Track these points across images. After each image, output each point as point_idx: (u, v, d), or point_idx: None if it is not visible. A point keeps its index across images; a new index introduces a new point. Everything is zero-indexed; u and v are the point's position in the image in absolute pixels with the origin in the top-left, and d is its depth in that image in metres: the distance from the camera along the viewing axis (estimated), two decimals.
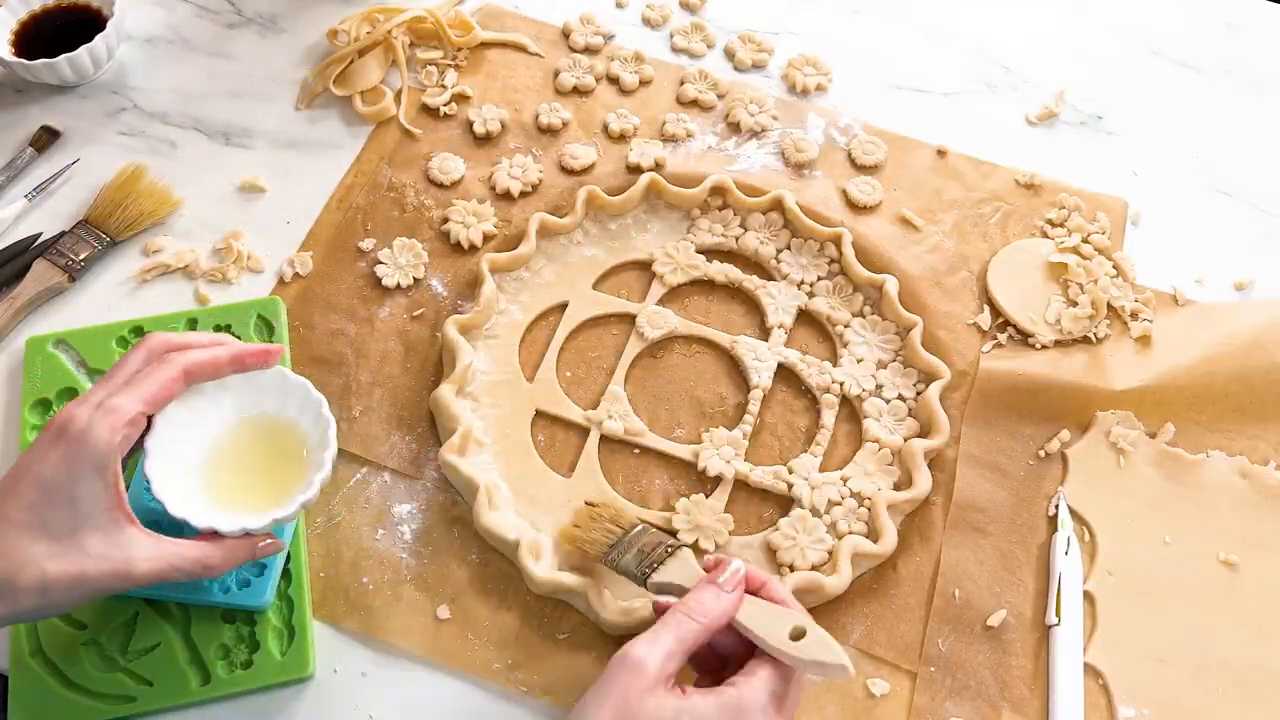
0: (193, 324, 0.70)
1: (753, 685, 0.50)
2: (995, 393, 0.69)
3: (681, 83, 0.83)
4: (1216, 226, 0.78)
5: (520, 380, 0.69)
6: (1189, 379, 0.69)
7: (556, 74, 0.83)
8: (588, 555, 0.60)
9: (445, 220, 0.75)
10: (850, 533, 0.64)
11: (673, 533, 0.64)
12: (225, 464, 0.57)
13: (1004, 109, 0.84)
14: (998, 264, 0.74)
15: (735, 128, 0.81)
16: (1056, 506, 0.65)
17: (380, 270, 0.73)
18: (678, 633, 0.51)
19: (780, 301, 0.72)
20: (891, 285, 0.72)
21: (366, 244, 0.75)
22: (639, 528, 0.60)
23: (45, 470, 0.49)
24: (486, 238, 0.75)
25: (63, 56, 0.77)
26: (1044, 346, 0.71)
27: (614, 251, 0.75)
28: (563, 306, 0.72)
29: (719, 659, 0.55)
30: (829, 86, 0.84)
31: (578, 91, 0.83)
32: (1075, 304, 0.72)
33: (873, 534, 0.64)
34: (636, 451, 0.68)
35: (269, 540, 0.56)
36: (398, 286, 0.73)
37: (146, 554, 0.51)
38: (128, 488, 0.56)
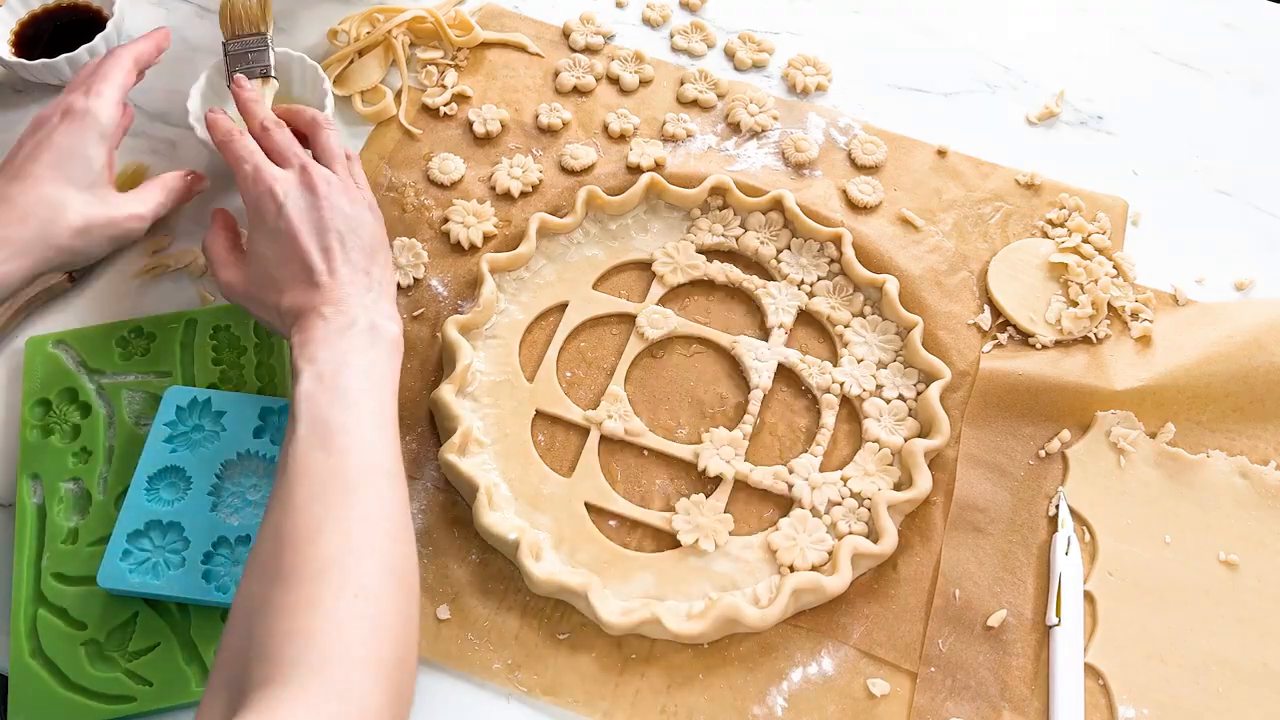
0: (193, 324, 0.70)
1: None
2: (995, 393, 0.69)
3: (681, 83, 0.83)
4: (1216, 226, 0.78)
5: (520, 380, 0.69)
6: (1189, 379, 0.69)
7: (556, 74, 0.83)
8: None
9: (445, 220, 0.75)
10: (850, 533, 0.64)
11: (673, 535, 0.64)
12: None
13: (1004, 109, 0.84)
14: (998, 264, 0.74)
15: (735, 128, 0.81)
16: (1057, 506, 0.65)
17: None
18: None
19: (780, 301, 0.72)
20: (892, 285, 0.72)
21: None
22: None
23: (59, 139, 0.63)
24: (486, 238, 0.75)
25: (63, 56, 0.77)
26: (1044, 346, 0.71)
27: (614, 251, 0.75)
28: (563, 306, 0.72)
29: None
30: (829, 86, 0.84)
31: (578, 91, 0.83)
32: (1075, 304, 0.72)
33: (873, 534, 0.64)
34: (645, 453, 0.68)
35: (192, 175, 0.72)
36: (398, 286, 0.73)
37: (142, 200, 0.68)
38: (125, 494, 0.58)
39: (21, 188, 0.62)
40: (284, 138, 0.66)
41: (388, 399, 0.58)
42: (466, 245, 0.74)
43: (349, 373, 0.57)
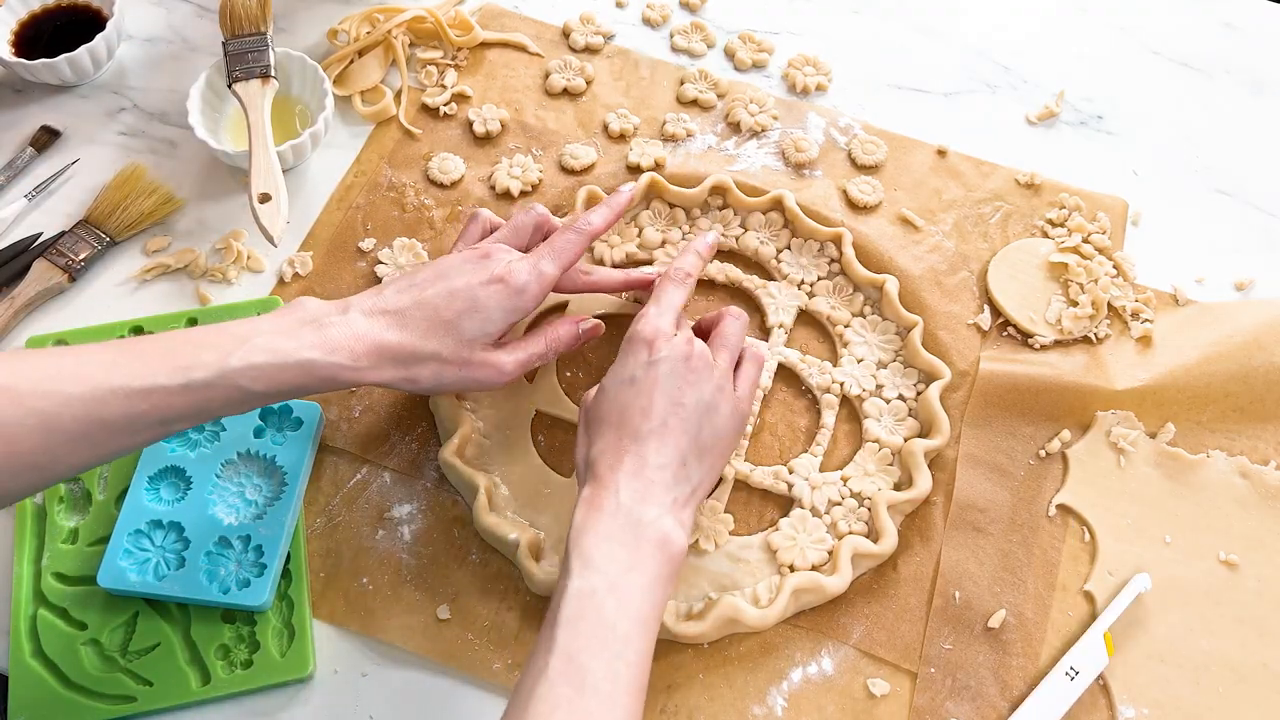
0: (193, 324, 0.70)
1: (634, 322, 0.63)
2: (995, 393, 0.69)
3: (681, 83, 0.83)
4: (1216, 226, 0.78)
5: (520, 380, 0.69)
6: (1189, 379, 0.69)
7: (547, 75, 0.83)
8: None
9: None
10: (850, 533, 0.64)
11: None
12: None
13: (1004, 109, 0.84)
14: (998, 264, 0.74)
15: (735, 128, 0.81)
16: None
17: (380, 270, 0.73)
18: (668, 298, 0.64)
19: (780, 301, 0.72)
20: (892, 285, 0.72)
21: (366, 244, 0.75)
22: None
23: (482, 297, 0.60)
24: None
25: (63, 56, 0.77)
26: (1044, 346, 0.71)
27: (614, 251, 0.75)
28: (563, 306, 0.72)
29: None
30: (829, 86, 0.84)
31: (568, 93, 0.83)
32: (1075, 304, 0.72)
33: (873, 534, 0.64)
34: None
35: (592, 323, 0.67)
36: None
37: (512, 360, 0.62)
38: (125, 493, 0.57)
39: (417, 319, 0.59)
40: (684, 295, 0.65)
41: (650, 645, 0.52)
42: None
43: (620, 601, 0.52)
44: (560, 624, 0.50)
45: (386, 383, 0.58)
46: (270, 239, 0.69)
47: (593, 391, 0.61)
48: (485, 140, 0.80)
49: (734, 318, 0.65)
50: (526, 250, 0.65)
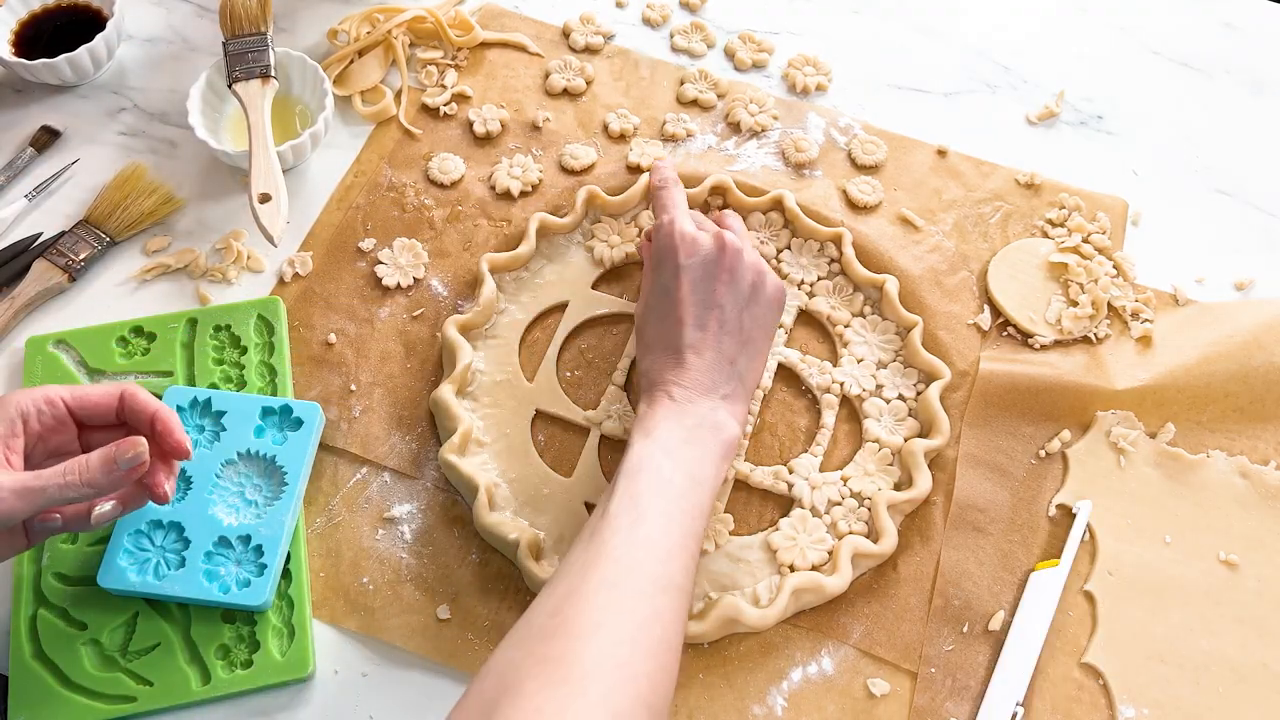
0: (193, 324, 0.70)
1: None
2: (995, 393, 0.69)
3: (681, 83, 0.83)
4: (1216, 226, 0.78)
5: (520, 380, 0.69)
6: (1189, 379, 0.69)
7: (547, 75, 0.83)
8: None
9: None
10: (850, 533, 0.64)
11: None
12: None
13: (1004, 109, 0.84)
14: (998, 264, 0.74)
15: (735, 128, 0.81)
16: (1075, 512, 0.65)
17: (380, 270, 0.73)
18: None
19: None
20: (892, 285, 0.72)
21: (366, 244, 0.75)
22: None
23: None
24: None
25: (63, 56, 0.77)
26: (1044, 346, 0.71)
27: (614, 251, 0.75)
28: (563, 306, 0.72)
29: None
30: (829, 86, 0.84)
31: (568, 93, 0.83)
32: (1075, 304, 0.72)
33: (873, 534, 0.64)
34: None
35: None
36: (398, 286, 0.73)
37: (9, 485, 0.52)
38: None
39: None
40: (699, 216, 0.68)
41: (705, 503, 0.56)
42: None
43: (677, 463, 0.56)
44: (622, 475, 0.55)
45: None
46: (270, 239, 0.69)
47: (639, 307, 0.64)
48: (485, 140, 0.80)
49: (734, 217, 0.69)
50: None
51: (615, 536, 0.52)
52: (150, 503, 0.57)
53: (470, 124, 0.80)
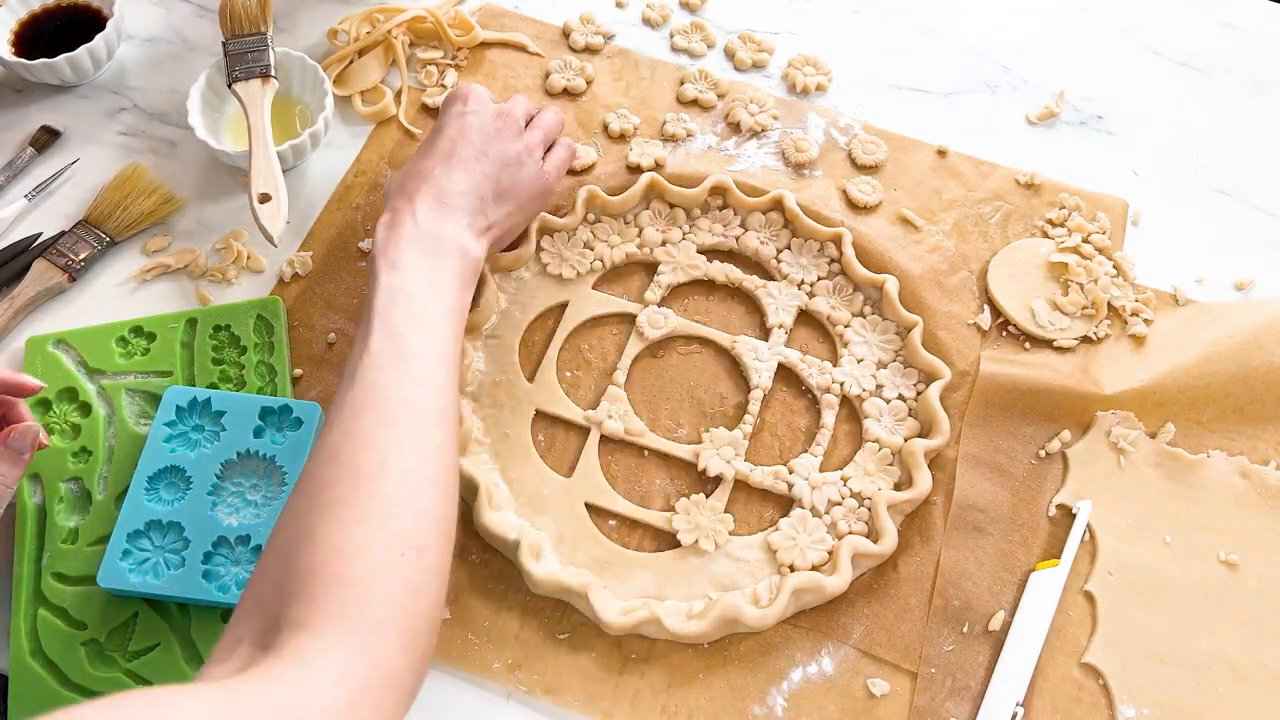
0: (193, 324, 0.70)
1: None
2: (995, 393, 0.69)
3: (681, 83, 0.83)
4: (1216, 226, 0.78)
5: (520, 380, 0.69)
6: (1189, 379, 0.69)
7: (547, 75, 0.83)
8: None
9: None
10: (850, 533, 0.64)
11: (673, 535, 0.64)
12: None
13: (1004, 109, 0.84)
14: (998, 264, 0.74)
15: (735, 128, 0.81)
16: (1074, 513, 0.65)
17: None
18: None
19: (780, 301, 0.72)
20: (892, 285, 0.72)
21: (367, 244, 0.75)
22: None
23: (523, 158, 0.67)
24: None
25: (63, 56, 0.77)
26: (1044, 347, 0.71)
27: (614, 251, 0.75)
28: (563, 306, 0.72)
29: None
30: (829, 86, 0.84)
31: (568, 93, 0.83)
32: (1076, 304, 0.72)
33: (873, 534, 0.64)
34: (645, 453, 0.68)
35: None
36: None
37: (552, 166, 0.70)
38: (125, 494, 0.57)
39: (500, 208, 0.66)
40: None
41: (460, 331, 0.58)
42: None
43: (429, 293, 0.57)
44: (376, 312, 0.55)
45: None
46: (270, 239, 0.69)
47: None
48: None
49: (554, 111, 0.72)
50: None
51: (383, 375, 0.53)
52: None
53: None
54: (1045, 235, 0.76)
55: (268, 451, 0.64)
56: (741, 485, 0.67)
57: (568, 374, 0.70)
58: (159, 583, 0.60)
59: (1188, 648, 0.62)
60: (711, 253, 0.75)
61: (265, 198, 0.70)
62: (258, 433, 0.65)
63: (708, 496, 0.66)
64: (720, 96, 0.83)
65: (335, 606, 0.46)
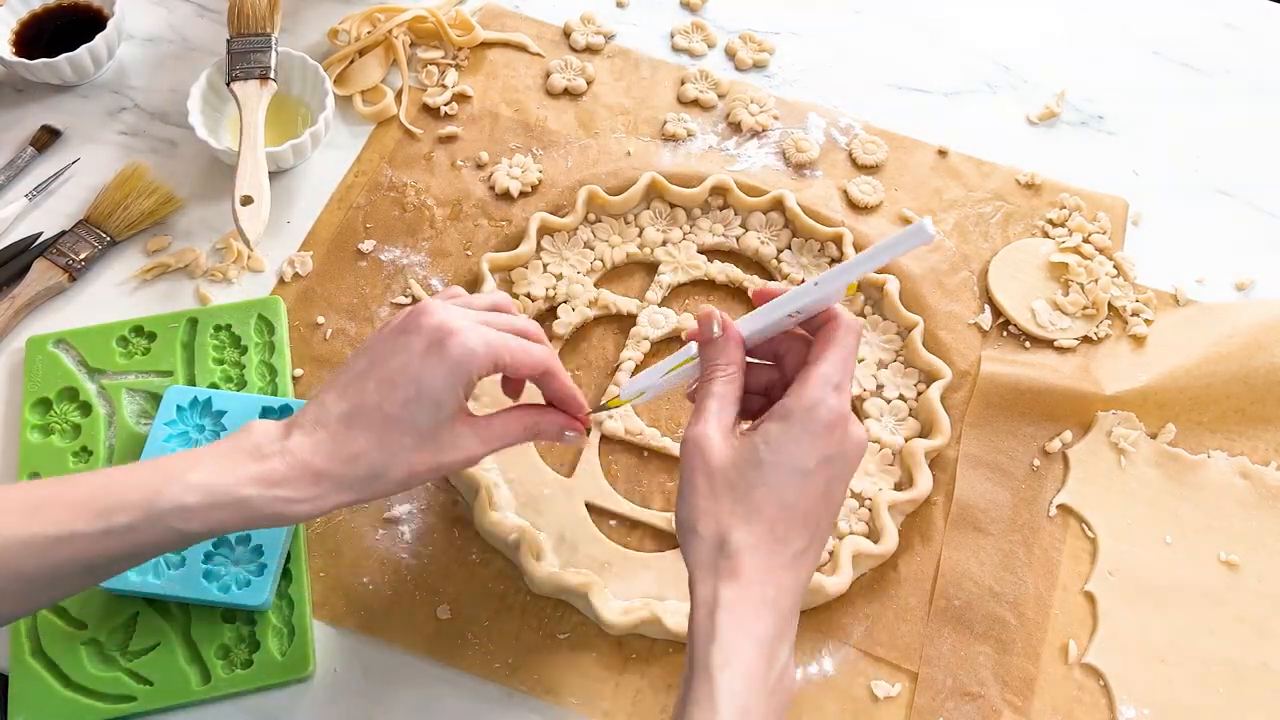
0: (193, 323, 0.70)
1: (809, 383, 0.51)
2: (996, 393, 0.69)
3: (682, 82, 0.83)
4: (1216, 226, 0.78)
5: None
6: (1190, 379, 0.69)
7: (548, 75, 0.83)
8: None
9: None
10: (851, 533, 0.64)
11: (673, 535, 0.64)
12: None
13: (1004, 109, 0.84)
14: (998, 264, 0.74)
15: (736, 127, 0.81)
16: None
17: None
18: (712, 392, 0.53)
19: None
20: (892, 285, 0.72)
21: (367, 245, 0.75)
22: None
23: (425, 376, 0.52)
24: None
25: (63, 56, 0.77)
26: (1044, 347, 0.71)
27: (615, 251, 0.75)
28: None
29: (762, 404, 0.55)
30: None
31: (568, 93, 0.83)
32: (1076, 304, 0.72)
33: (873, 534, 0.64)
34: (645, 453, 0.68)
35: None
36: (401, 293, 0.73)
37: (481, 440, 0.55)
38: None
39: (363, 426, 0.52)
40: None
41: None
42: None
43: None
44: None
45: (349, 504, 0.52)
46: (247, 243, 0.69)
47: (724, 446, 0.51)
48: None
49: (850, 331, 0.53)
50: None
51: None
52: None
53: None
54: (1046, 235, 0.76)
55: None
56: None
57: (568, 374, 0.70)
58: (159, 582, 0.60)
59: (1188, 648, 0.62)
60: (712, 253, 0.75)
61: (248, 200, 0.70)
62: None
63: None
64: (721, 96, 0.83)
65: None
